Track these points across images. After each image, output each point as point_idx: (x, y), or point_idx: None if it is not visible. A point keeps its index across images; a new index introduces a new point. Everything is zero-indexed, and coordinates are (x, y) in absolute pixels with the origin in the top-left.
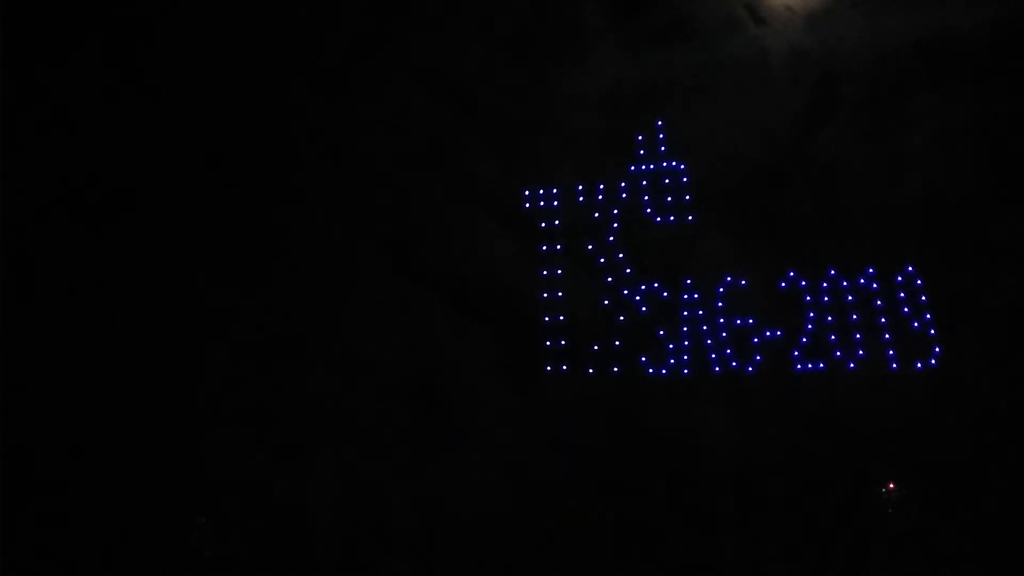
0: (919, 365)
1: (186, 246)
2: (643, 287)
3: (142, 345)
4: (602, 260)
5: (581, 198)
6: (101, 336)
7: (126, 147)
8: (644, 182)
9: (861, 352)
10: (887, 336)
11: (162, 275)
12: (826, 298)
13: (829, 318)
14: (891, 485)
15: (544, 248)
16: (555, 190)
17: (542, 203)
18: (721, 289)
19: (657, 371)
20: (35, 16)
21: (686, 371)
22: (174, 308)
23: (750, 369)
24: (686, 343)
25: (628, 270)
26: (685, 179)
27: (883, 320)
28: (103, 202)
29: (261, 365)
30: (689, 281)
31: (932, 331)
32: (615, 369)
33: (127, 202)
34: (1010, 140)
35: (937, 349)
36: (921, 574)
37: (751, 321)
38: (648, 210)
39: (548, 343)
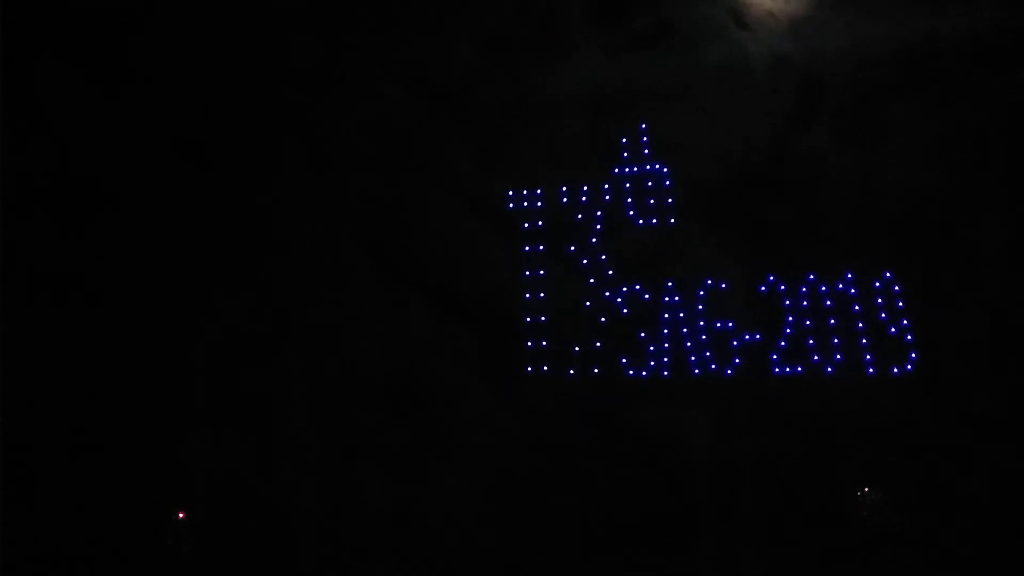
0: (895, 370)
1: (168, 244)
2: (625, 289)
3: (122, 341)
4: (584, 261)
5: (564, 199)
6: (80, 332)
7: (108, 145)
8: (627, 184)
9: (839, 356)
10: (864, 341)
11: (142, 272)
12: (805, 302)
13: (808, 322)
14: (866, 488)
15: (527, 249)
16: (539, 191)
17: (525, 204)
18: (702, 292)
19: (637, 372)
20: (15, 11)
21: (666, 372)
22: (154, 305)
23: (729, 371)
24: (666, 345)
25: (610, 272)
26: (668, 182)
27: (861, 325)
28: (84, 199)
29: (241, 363)
30: (670, 283)
31: (909, 337)
32: (596, 370)
33: (108, 200)
34: (989, 148)
35: (913, 355)
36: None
37: (731, 324)
38: (631, 212)
39: (529, 343)
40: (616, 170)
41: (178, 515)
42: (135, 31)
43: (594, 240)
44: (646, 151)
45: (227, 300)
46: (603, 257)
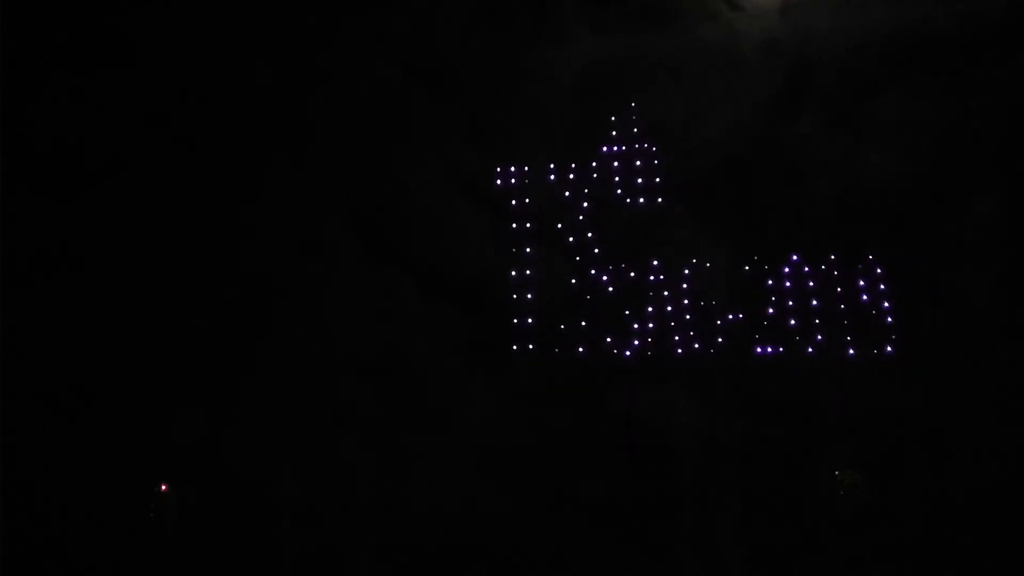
0: (875, 352)
1: (156, 223)
2: (611, 268)
3: (108, 318)
4: (572, 240)
5: (553, 178)
6: (68, 308)
7: (102, 124)
8: (615, 163)
9: (819, 337)
10: (846, 323)
11: (130, 250)
12: (788, 284)
13: (790, 303)
14: (843, 469)
15: (514, 227)
16: (527, 169)
17: (514, 182)
18: (687, 272)
19: (622, 351)
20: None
21: (650, 351)
22: (140, 283)
23: (711, 351)
24: (651, 324)
25: (597, 251)
26: (656, 162)
27: (842, 307)
28: (76, 177)
29: (229, 341)
30: (656, 263)
31: (890, 319)
32: (581, 348)
33: (98, 177)
34: (975, 134)
35: (894, 337)
36: (873, 555)
37: (714, 304)
38: (618, 191)
39: (516, 321)
40: (605, 149)
41: (161, 488)
42: (128, 10)
43: (581, 219)
44: (635, 130)
45: (215, 278)
46: (590, 236)
